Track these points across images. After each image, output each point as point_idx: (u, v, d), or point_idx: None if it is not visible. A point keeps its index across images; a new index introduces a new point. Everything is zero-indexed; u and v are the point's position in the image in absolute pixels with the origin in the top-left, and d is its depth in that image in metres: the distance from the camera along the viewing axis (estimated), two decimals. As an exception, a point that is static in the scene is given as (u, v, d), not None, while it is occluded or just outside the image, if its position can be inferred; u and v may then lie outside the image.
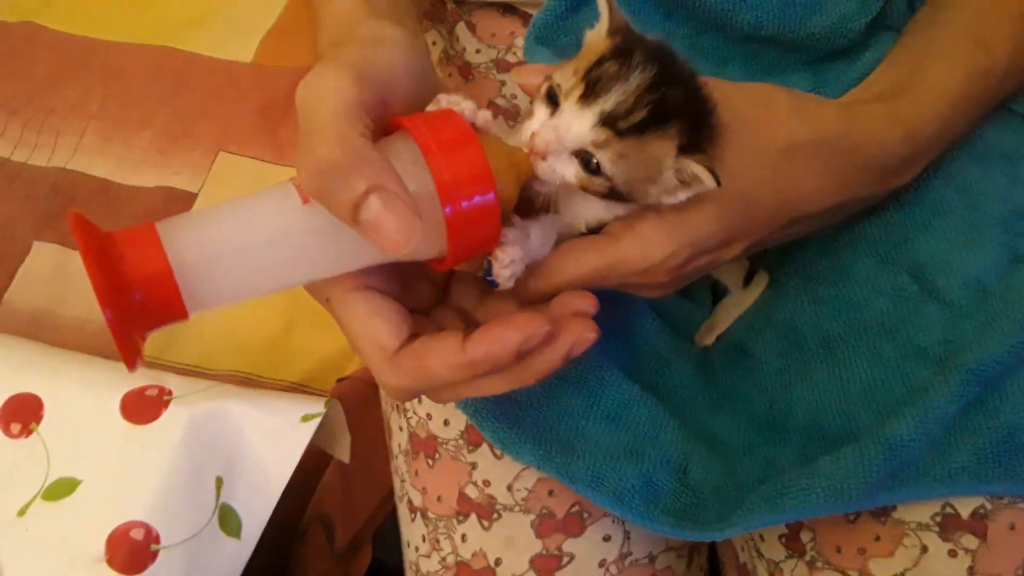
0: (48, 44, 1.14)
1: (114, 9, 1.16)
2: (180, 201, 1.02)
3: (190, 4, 1.14)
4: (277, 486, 0.66)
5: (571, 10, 0.68)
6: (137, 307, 0.42)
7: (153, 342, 0.93)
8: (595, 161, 0.49)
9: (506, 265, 0.50)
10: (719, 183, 0.48)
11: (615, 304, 0.67)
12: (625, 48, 0.50)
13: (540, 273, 0.53)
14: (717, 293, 0.76)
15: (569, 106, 0.49)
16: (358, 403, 0.81)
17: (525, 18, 0.81)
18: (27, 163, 1.06)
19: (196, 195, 1.03)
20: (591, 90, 0.48)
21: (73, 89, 1.11)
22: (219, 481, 0.65)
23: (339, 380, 0.86)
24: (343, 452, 0.72)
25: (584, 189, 0.50)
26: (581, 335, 0.49)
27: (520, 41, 0.80)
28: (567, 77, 0.50)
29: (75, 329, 0.95)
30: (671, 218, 0.52)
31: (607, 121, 0.48)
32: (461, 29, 0.82)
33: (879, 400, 0.62)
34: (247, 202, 0.46)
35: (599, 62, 0.49)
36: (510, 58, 0.80)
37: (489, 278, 0.53)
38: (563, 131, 0.49)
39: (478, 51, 0.81)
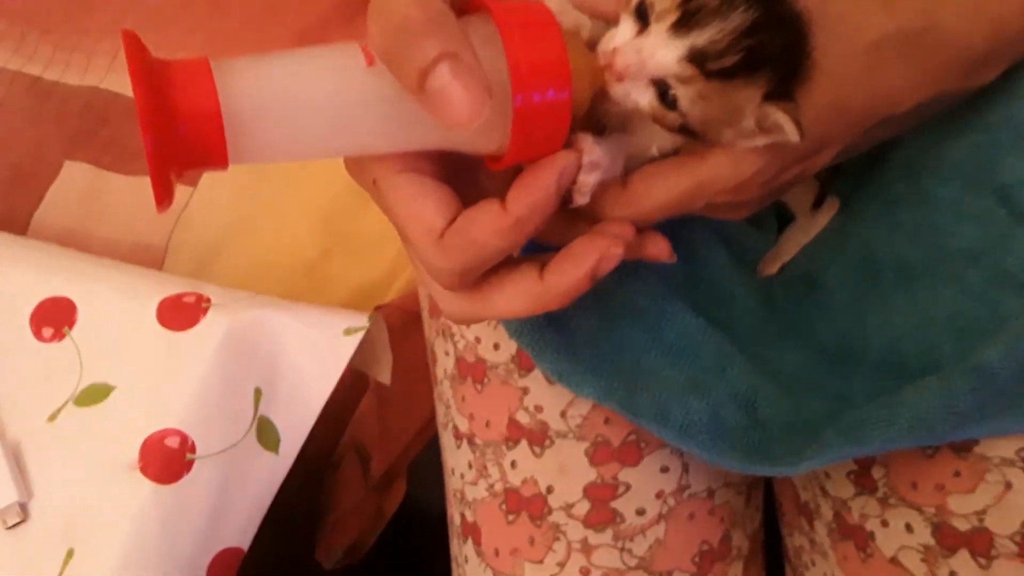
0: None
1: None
2: None
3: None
4: (318, 401, 0.63)
5: None
6: (179, 142, 0.39)
7: (184, 267, 0.93)
8: (673, 94, 0.46)
9: (590, 170, 0.47)
10: (802, 136, 0.45)
11: (676, 232, 0.65)
12: None
13: (625, 200, 0.49)
14: (783, 219, 0.72)
15: (659, 30, 0.45)
16: (396, 332, 0.78)
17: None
18: (59, 81, 1.03)
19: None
20: (686, 20, 0.45)
21: (107, 11, 1.07)
22: (258, 392, 0.62)
23: (377, 307, 0.82)
24: (384, 373, 0.69)
25: (654, 120, 0.47)
26: (607, 251, 0.46)
27: None
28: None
29: (105, 250, 0.92)
30: None
31: (696, 58, 0.45)
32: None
33: (964, 329, 0.59)
34: (309, 55, 0.43)
35: None
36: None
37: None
38: (647, 56, 0.45)
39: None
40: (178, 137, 0.39)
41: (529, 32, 0.42)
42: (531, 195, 0.44)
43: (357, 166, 0.49)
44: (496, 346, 0.67)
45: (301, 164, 0.46)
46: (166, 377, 0.60)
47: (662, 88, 0.46)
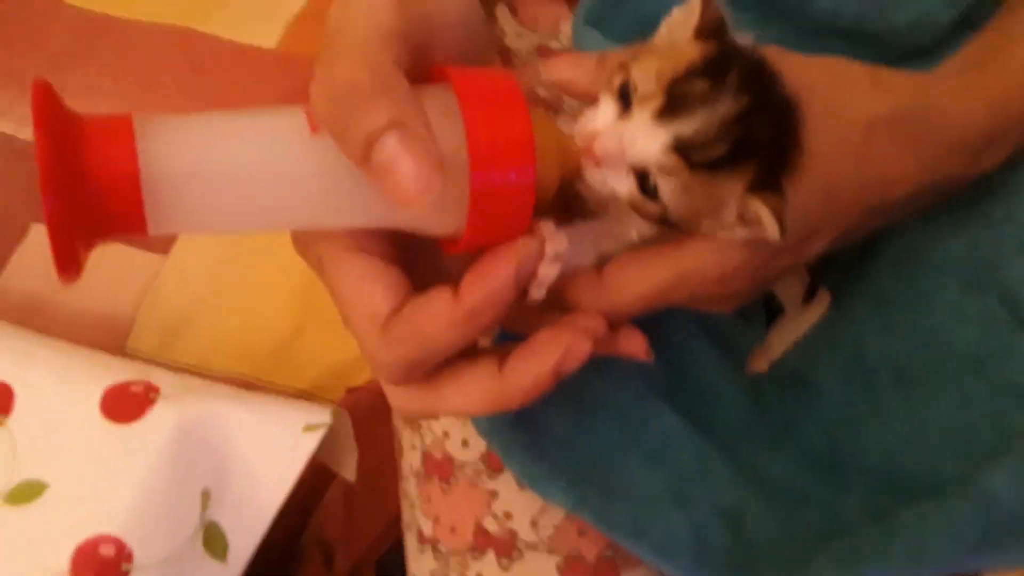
0: (65, 19, 1.09)
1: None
2: None
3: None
4: (272, 504, 0.58)
5: None
6: (88, 205, 0.35)
7: (150, 339, 0.89)
8: (654, 184, 0.43)
9: (550, 263, 0.43)
10: (784, 233, 0.42)
11: (657, 323, 0.61)
12: (719, 63, 0.43)
13: (600, 290, 0.46)
14: (772, 311, 0.68)
15: (642, 116, 0.42)
16: (368, 416, 0.74)
17: (572, 2, 0.74)
18: (32, 141, 0.99)
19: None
20: (672, 107, 0.42)
21: (87, 68, 1.05)
22: (205, 495, 0.57)
23: (349, 390, 0.79)
24: (348, 469, 0.64)
25: (632, 208, 0.44)
26: (573, 346, 0.42)
27: (566, 27, 0.74)
28: (646, 77, 0.43)
29: (70, 320, 0.88)
30: None
31: (681, 148, 0.42)
32: (501, 11, 0.76)
33: (967, 444, 0.55)
34: (248, 117, 0.39)
35: (687, 75, 0.43)
36: (553, 45, 0.74)
37: None
38: (628, 143, 0.42)
39: (519, 35, 0.75)
40: (88, 201, 0.35)
41: (492, 105, 0.39)
42: (486, 285, 0.40)
43: (303, 242, 0.45)
44: (465, 443, 0.63)
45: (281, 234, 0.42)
46: (105, 476, 0.56)
47: (643, 176, 0.43)
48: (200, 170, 0.37)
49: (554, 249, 0.43)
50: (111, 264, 0.90)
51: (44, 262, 0.93)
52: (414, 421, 0.66)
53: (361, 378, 0.83)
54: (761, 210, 0.42)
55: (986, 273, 0.58)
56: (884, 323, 0.60)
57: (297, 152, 0.38)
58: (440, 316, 0.40)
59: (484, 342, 0.62)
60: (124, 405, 0.57)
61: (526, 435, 0.56)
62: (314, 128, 0.38)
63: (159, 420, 0.57)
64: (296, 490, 0.59)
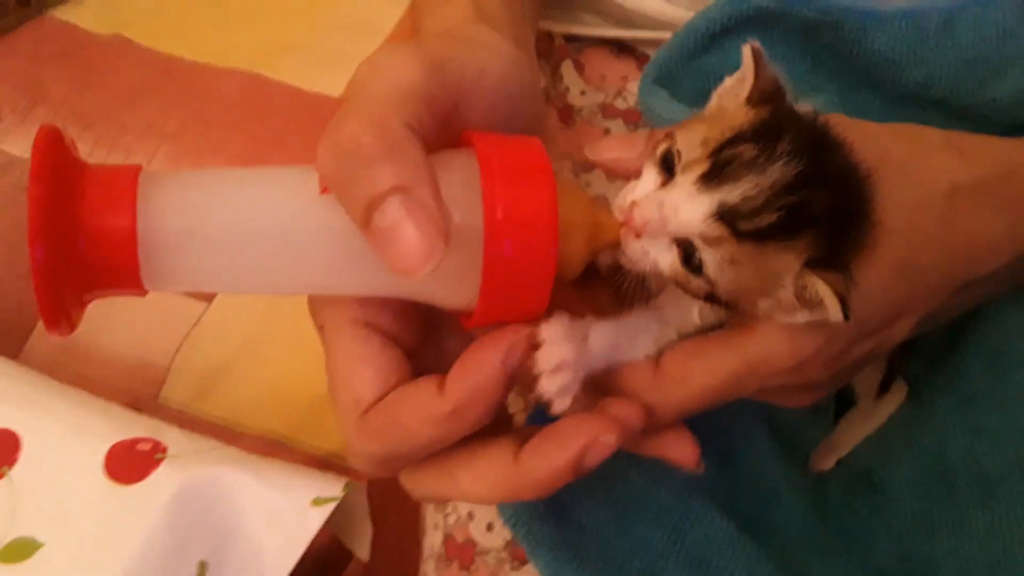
0: (133, 59, 1.09)
1: (206, 29, 1.11)
2: None
3: (284, 30, 1.08)
4: (273, 582, 0.54)
5: (701, 49, 0.58)
6: (79, 258, 0.34)
7: (184, 390, 0.86)
8: (699, 257, 0.38)
9: (551, 371, 0.39)
10: (847, 316, 0.37)
11: (717, 413, 0.56)
12: (771, 129, 0.39)
13: (659, 385, 0.41)
14: (841, 404, 0.62)
15: (685, 183, 0.39)
16: (393, 489, 0.69)
17: (641, 61, 0.71)
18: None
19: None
20: (717, 172, 0.38)
21: (151, 107, 1.05)
22: (202, 567, 0.53)
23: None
24: (362, 547, 0.60)
25: (677, 285, 0.40)
26: (598, 436, 0.38)
27: (633, 86, 0.70)
28: (691, 144, 0.40)
29: (106, 364, 0.86)
30: None
31: (726, 216, 0.38)
32: (567, 68, 0.73)
33: None
34: (256, 175, 0.38)
35: (734, 140, 0.39)
36: (619, 104, 0.70)
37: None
38: (669, 211, 0.39)
39: (583, 93, 0.71)
40: (78, 253, 0.34)
41: (514, 175, 0.37)
42: (471, 377, 0.37)
43: (314, 306, 0.42)
44: (490, 527, 0.58)
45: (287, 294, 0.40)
46: (102, 538, 0.53)
47: (687, 249, 0.39)
48: (201, 229, 0.36)
49: (554, 359, 0.39)
50: (151, 309, 0.89)
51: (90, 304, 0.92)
52: (433, 502, 0.61)
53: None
54: (821, 287, 0.37)
55: None
56: (969, 422, 0.54)
57: (302, 212, 0.37)
58: (422, 409, 0.37)
59: (519, 417, 0.57)
60: (129, 464, 0.54)
61: (555, 528, 0.51)
62: (325, 188, 0.36)
63: (162, 482, 0.53)
64: (311, 566, 0.55)
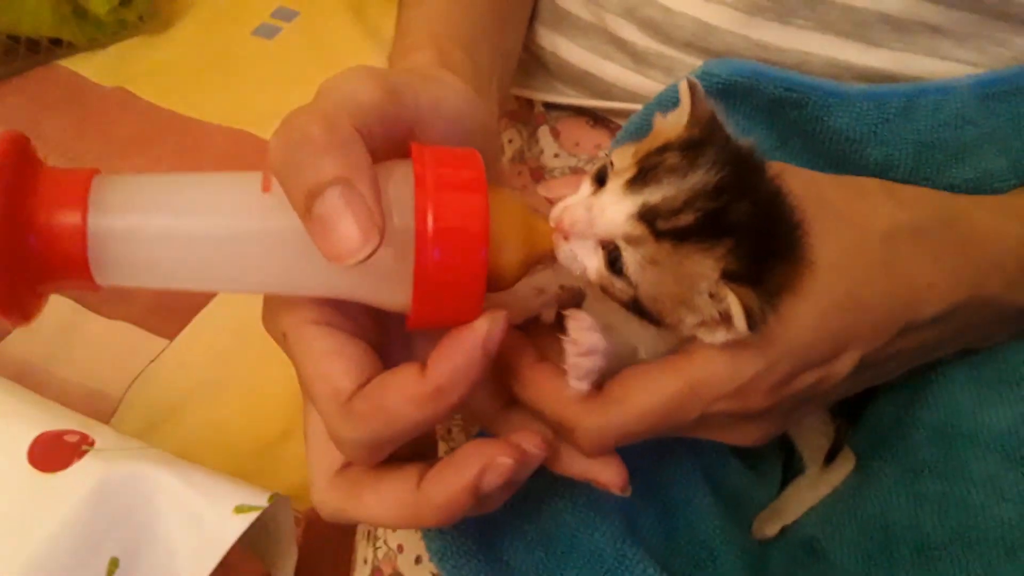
0: (133, 111, 1.12)
1: (208, 90, 1.14)
2: None
3: (276, 95, 1.11)
4: (186, 590, 0.51)
5: None
6: (31, 250, 0.36)
7: (133, 422, 0.84)
8: (623, 264, 0.40)
9: (583, 352, 0.41)
10: (752, 327, 0.38)
11: (655, 463, 0.56)
12: (699, 142, 0.41)
13: (598, 407, 0.42)
14: (788, 472, 0.62)
15: (613, 188, 0.41)
16: (341, 531, 0.68)
17: (614, 131, 0.73)
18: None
19: (231, 276, 0.94)
20: (642, 177, 0.40)
21: (144, 156, 1.07)
22: (113, 564, 0.51)
23: (322, 500, 0.72)
24: (285, 570, 0.57)
25: (604, 291, 0.41)
26: (493, 459, 0.39)
27: (604, 153, 0.72)
28: (624, 158, 0.42)
29: (58, 390, 0.85)
30: None
31: (647, 216, 0.39)
32: (544, 132, 0.75)
33: None
34: (204, 178, 0.40)
35: (662, 148, 0.41)
36: (589, 168, 0.71)
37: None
38: (597, 212, 0.40)
39: (556, 155, 0.73)
40: (32, 245, 0.36)
41: (448, 184, 0.38)
42: (453, 360, 0.38)
43: (270, 317, 0.43)
44: (418, 560, 0.56)
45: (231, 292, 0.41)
46: (13, 523, 0.50)
47: (612, 253, 0.40)
48: (148, 226, 0.38)
49: (587, 343, 0.41)
50: (111, 341, 0.88)
51: (51, 331, 0.91)
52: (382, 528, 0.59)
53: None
54: (731, 299, 0.38)
55: None
56: (914, 492, 0.53)
57: (246, 212, 0.38)
58: (406, 392, 0.38)
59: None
60: (53, 453, 0.52)
61: (481, 565, 0.50)
62: (266, 186, 0.38)
63: (83, 474, 0.51)
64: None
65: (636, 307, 0.41)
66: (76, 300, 0.93)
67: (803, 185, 0.43)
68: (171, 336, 0.88)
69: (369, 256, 0.35)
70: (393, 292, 0.39)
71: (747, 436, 0.46)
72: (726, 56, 0.62)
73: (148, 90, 1.13)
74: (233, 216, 0.38)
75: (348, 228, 0.35)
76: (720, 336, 0.40)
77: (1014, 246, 0.49)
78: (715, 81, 0.56)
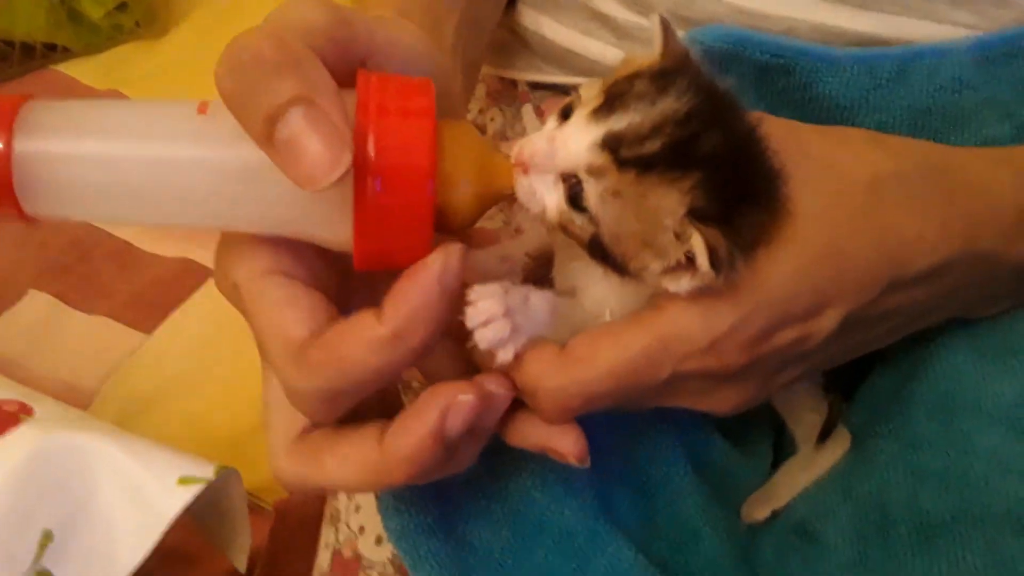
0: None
1: (200, 92, 1.12)
2: (196, 275, 0.94)
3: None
4: (126, 565, 0.48)
5: None
6: None
7: (107, 414, 0.82)
8: (584, 196, 0.37)
9: (480, 326, 0.38)
10: (717, 269, 0.36)
11: (632, 439, 0.52)
12: (670, 71, 0.39)
13: (562, 364, 0.39)
14: (780, 453, 0.58)
15: (577, 119, 0.38)
16: (310, 523, 0.65)
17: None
18: (55, 213, 1.00)
19: (212, 272, 0.92)
20: (608, 105, 0.37)
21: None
22: (47, 536, 0.48)
23: (292, 492, 0.69)
24: (238, 555, 0.54)
25: (563, 231, 0.39)
26: (453, 398, 0.36)
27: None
28: (591, 92, 0.39)
29: (34, 385, 0.82)
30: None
31: (610, 143, 0.37)
32: (527, 111, 0.73)
33: None
34: (139, 105, 0.39)
35: (632, 77, 0.39)
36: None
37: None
38: (559, 144, 0.38)
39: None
40: None
41: (390, 111, 0.36)
42: (410, 301, 0.35)
43: (221, 270, 0.40)
44: (379, 540, 0.53)
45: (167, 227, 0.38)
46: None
47: (573, 188, 0.37)
48: (77, 152, 0.36)
49: (482, 314, 0.38)
50: (89, 335, 0.87)
51: (29, 326, 0.90)
52: (344, 511, 0.56)
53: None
54: (695, 239, 0.36)
55: None
56: (913, 468, 0.50)
57: (180, 135, 0.36)
58: (363, 339, 0.35)
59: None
60: (-12, 421, 0.50)
61: (441, 545, 0.47)
62: (202, 108, 0.36)
63: (18, 442, 0.49)
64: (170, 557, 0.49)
65: (598, 250, 0.38)
66: (55, 295, 0.92)
67: (783, 133, 0.41)
68: (149, 331, 0.87)
69: (343, 176, 0.32)
70: (336, 228, 0.36)
71: (724, 401, 0.43)
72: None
73: (143, 93, 1.13)
74: (166, 141, 0.36)
75: (316, 149, 0.32)
76: (685, 283, 0.37)
77: (1010, 196, 0.46)
78: (699, 49, 0.54)
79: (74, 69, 1.16)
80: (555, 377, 0.39)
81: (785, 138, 0.40)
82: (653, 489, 0.53)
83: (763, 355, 0.40)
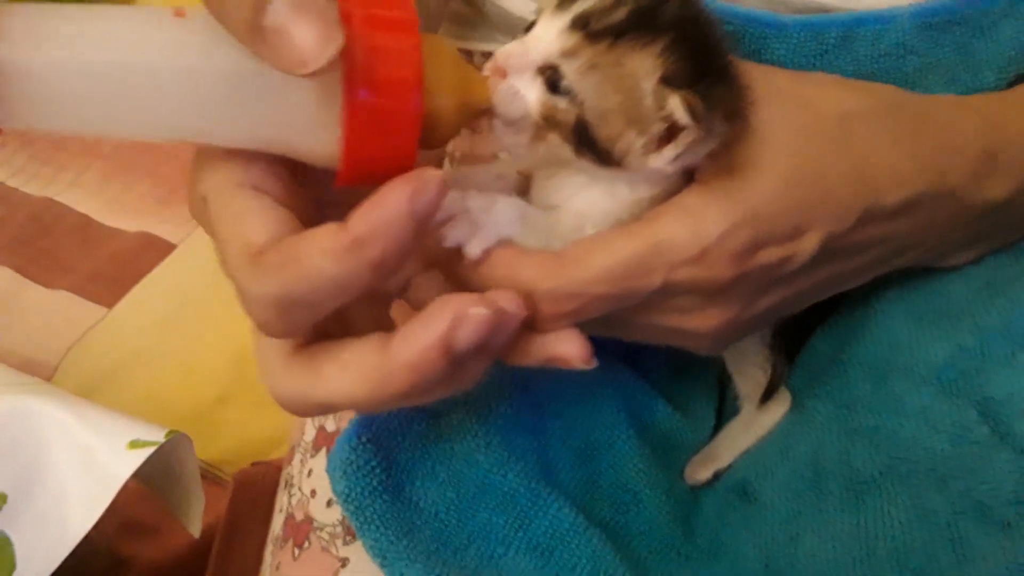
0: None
1: None
2: (157, 249, 0.94)
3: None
4: (78, 526, 0.49)
5: None
6: None
7: (68, 387, 0.83)
8: (561, 73, 0.39)
9: (443, 217, 0.38)
10: (698, 121, 0.37)
11: (576, 405, 0.53)
12: None
13: (556, 267, 0.39)
14: (721, 421, 0.59)
15: (543, 18, 0.40)
16: (269, 493, 0.66)
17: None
18: (18, 189, 0.99)
19: (175, 246, 0.93)
20: None
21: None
22: (1, 499, 0.49)
23: (254, 463, 0.70)
24: (193, 519, 0.55)
25: (548, 122, 0.39)
26: (464, 309, 0.34)
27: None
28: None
29: (-6, 360, 0.83)
30: (724, 184, 0.41)
31: (580, 22, 0.38)
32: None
33: (918, 567, 0.46)
34: (117, 10, 0.35)
35: None
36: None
37: None
38: (530, 42, 0.39)
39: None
40: None
41: (375, 23, 0.35)
42: (376, 212, 0.33)
43: (193, 187, 0.38)
44: (329, 503, 0.54)
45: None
46: None
47: (551, 77, 0.39)
48: (49, 58, 0.34)
49: (445, 211, 0.38)
50: (50, 309, 0.87)
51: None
52: (297, 476, 0.57)
53: (272, 455, 0.75)
54: (672, 100, 0.37)
55: (968, 382, 0.50)
56: (845, 427, 0.52)
57: (155, 41, 0.35)
58: (321, 245, 0.33)
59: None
60: (-59, 387, 0.51)
61: (388, 506, 0.47)
62: (179, 12, 0.35)
63: (-30, 407, 0.49)
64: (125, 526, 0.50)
65: (584, 135, 0.39)
66: (15, 270, 0.91)
67: (756, 73, 0.42)
68: (110, 305, 0.87)
69: (334, 56, 0.32)
70: (321, 138, 0.35)
71: (708, 319, 0.43)
72: None
73: None
74: (143, 49, 0.34)
75: (305, 31, 0.31)
76: (669, 153, 0.39)
77: (973, 138, 0.47)
78: None
79: None
80: (550, 279, 0.39)
81: (758, 78, 0.42)
82: (595, 452, 0.54)
83: (749, 271, 0.42)
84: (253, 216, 0.35)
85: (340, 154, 0.35)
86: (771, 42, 0.54)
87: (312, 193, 0.39)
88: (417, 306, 0.42)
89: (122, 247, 0.93)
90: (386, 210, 0.33)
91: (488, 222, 0.40)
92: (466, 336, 0.34)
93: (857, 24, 0.55)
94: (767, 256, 0.42)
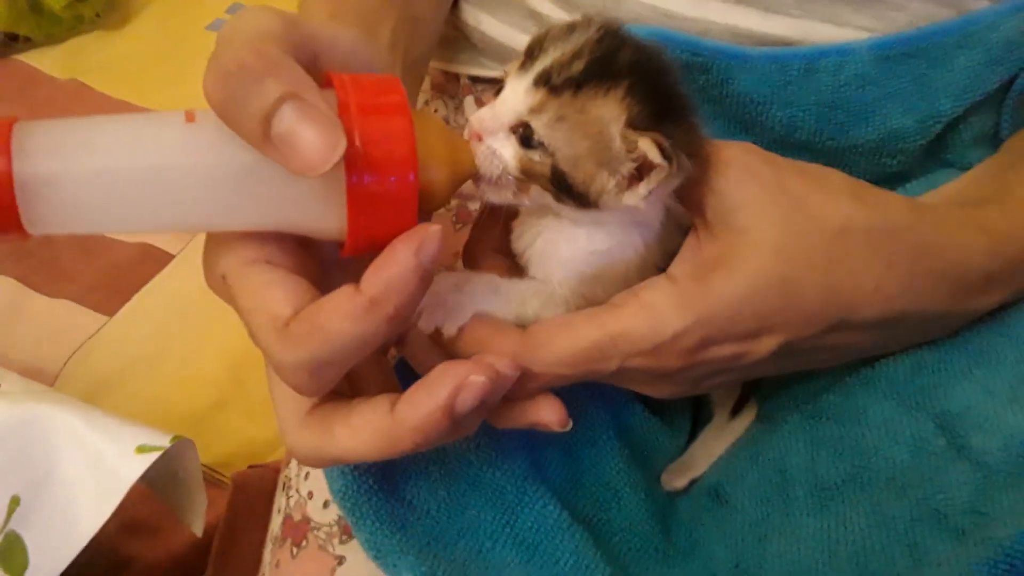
0: (86, 101, 1.14)
1: (159, 82, 1.15)
2: (156, 259, 0.96)
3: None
4: (88, 526, 0.52)
5: None
6: None
7: (71, 394, 0.85)
8: (531, 129, 0.42)
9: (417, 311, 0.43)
10: (669, 158, 0.40)
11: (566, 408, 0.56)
12: (584, 22, 0.43)
13: (522, 347, 0.43)
14: (697, 427, 0.62)
15: (509, 81, 0.43)
16: (267, 494, 0.68)
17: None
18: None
19: (173, 256, 0.95)
20: (529, 58, 0.43)
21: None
22: (14, 501, 0.51)
23: (251, 466, 0.73)
24: (195, 519, 0.58)
25: (526, 175, 0.43)
26: (467, 377, 0.39)
27: None
28: (513, 63, 0.44)
29: (-1, 367, 0.85)
30: (687, 286, 0.44)
31: (543, 79, 0.41)
32: (469, 103, 0.76)
33: (877, 570, 0.48)
34: (127, 118, 0.39)
35: (543, 34, 0.43)
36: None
37: None
38: (499, 105, 0.43)
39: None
40: None
41: (369, 109, 0.38)
42: (386, 271, 0.37)
43: (210, 266, 0.42)
44: (326, 504, 0.56)
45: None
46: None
47: (523, 134, 0.42)
48: (74, 168, 0.36)
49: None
50: (53, 318, 0.89)
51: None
52: (296, 477, 0.60)
53: (269, 457, 0.78)
54: (643, 141, 0.40)
55: (926, 396, 0.52)
56: (811, 437, 0.54)
57: (171, 145, 0.37)
58: (341, 309, 0.37)
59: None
60: (-45, 394, 0.53)
61: (382, 502, 0.50)
62: (190, 117, 0.37)
63: (-14, 414, 0.52)
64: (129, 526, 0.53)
65: (561, 182, 0.42)
66: (18, 280, 0.93)
67: (765, 167, 0.45)
68: (111, 313, 0.89)
69: (338, 158, 0.35)
70: (327, 219, 0.39)
71: (659, 391, 0.48)
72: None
73: (102, 82, 1.15)
74: (160, 152, 0.37)
75: (311, 137, 0.34)
76: (642, 190, 0.41)
77: (978, 262, 0.49)
78: None
79: (35, 59, 1.17)
80: (517, 358, 0.43)
81: (766, 172, 0.44)
82: (579, 451, 0.56)
83: (697, 363, 0.45)
84: (273, 289, 0.39)
85: (346, 231, 0.38)
86: (737, 73, 0.57)
87: (318, 255, 0.42)
88: (411, 357, 0.46)
89: (122, 257, 0.95)
90: (396, 268, 0.37)
91: (460, 300, 0.44)
92: (467, 401, 0.39)
93: (819, 56, 0.58)
94: (718, 352, 0.45)
